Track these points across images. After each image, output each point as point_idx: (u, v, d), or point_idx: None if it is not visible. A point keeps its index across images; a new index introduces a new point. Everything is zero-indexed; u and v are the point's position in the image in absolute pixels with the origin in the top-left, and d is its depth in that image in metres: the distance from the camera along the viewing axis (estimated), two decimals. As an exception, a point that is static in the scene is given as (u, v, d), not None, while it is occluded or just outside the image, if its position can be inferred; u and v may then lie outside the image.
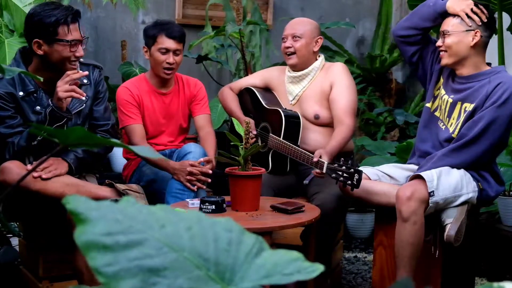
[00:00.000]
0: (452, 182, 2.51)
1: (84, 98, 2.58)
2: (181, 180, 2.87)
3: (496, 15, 3.76)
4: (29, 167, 2.46)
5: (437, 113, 2.74)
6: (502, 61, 3.76)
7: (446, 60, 2.65)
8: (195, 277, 0.63)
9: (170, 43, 3.09)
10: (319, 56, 3.19)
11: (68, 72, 2.44)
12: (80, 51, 2.51)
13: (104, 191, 2.52)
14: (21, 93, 2.50)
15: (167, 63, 3.09)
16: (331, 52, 5.35)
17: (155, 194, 3.03)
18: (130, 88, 3.14)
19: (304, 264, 0.69)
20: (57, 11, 2.47)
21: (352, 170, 2.51)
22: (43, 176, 2.43)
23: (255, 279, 0.66)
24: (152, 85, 3.20)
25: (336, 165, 2.57)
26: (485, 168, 2.63)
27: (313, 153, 2.80)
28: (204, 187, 2.94)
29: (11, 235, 3.34)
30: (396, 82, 5.61)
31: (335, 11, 5.64)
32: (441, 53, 2.67)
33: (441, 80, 2.77)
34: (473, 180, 2.59)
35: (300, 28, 3.12)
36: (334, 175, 2.56)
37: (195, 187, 2.89)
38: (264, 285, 0.68)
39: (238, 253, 0.68)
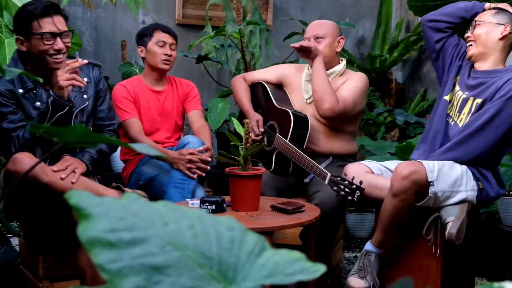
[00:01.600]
0: (452, 176, 2.53)
1: (86, 96, 2.65)
2: (180, 168, 2.93)
3: None
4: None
5: (448, 110, 2.76)
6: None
7: (472, 50, 2.70)
8: (198, 275, 0.63)
9: (166, 37, 3.26)
10: (341, 60, 3.19)
11: (68, 61, 2.47)
12: (58, 44, 2.51)
13: (112, 192, 2.53)
14: (20, 90, 2.53)
15: (165, 54, 3.22)
16: (331, 52, 5.34)
17: (154, 193, 3.06)
18: (126, 86, 3.25)
19: (306, 264, 0.69)
20: (31, 6, 2.51)
21: (354, 186, 2.51)
22: (73, 180, 2.44)
23: (258, 278, 0.66)
24: (147, 84, 3.30)
25: (339, 178, 2.57)
26: (487, 167, 2.63)
27: (320, 154, 2.79)
28: (204, 174, 2.98)
29: (11, 235, 3.34)
30: (396, 82, 5.61)
31: (335, 11, 5.64)
32: (468, 45, 2.72)
33: (457, 77, 2.79)
34: (473, 179, 2.60)
35: (323, 28, 3.13)
36: (335, 187, 2.56)
37: (195, 175, 2.94)
38: (265, 285, 0.68)
39: (241, 252, 0.68)
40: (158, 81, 3.31)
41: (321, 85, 2.93)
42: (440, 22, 2.83)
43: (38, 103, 2.55)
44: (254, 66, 4.58)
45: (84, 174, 2.56)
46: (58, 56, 2.53)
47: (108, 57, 4.86)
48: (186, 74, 4.49)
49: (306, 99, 3.14)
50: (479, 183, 2.61)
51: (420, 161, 2.55)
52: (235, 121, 2.77)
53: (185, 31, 5.08)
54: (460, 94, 2.72)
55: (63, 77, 2.44)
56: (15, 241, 3.23)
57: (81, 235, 0.61)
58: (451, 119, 2.73)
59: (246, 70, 4.45)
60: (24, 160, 2.37)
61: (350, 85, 3.05)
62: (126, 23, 4.95)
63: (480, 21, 2.70)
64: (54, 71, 2.58)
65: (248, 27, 4.55)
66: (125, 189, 2.63)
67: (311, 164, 2.75)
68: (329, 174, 2.62)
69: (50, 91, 2.49)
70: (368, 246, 2.64)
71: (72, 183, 2.44)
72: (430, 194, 2.48)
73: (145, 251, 0.62)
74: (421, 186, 2.48)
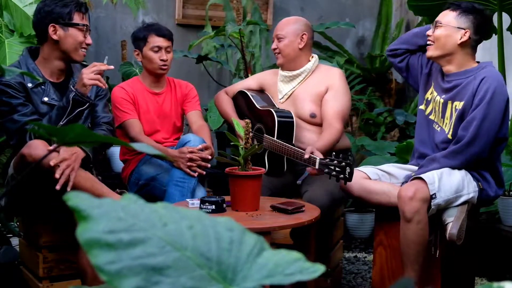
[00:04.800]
0: (453, 183, 2.52)
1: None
2: (181, 167, 2.93)
3: (495, 17, 3.76)
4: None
5: (432, 116, 2.75)
6: (502, 61, 3.76)
7: (431, 52, 2.68)
8: (197, 276, 0.63)
9: (161, 41, 3.20)
10: (312, 57, 3.20)
11: (96, 63, 2.60)
12: (89, 39, 2.70)
13: (116, 196, 2.54)
14: (29, 84, 2.60)
15: (161, 60, 3.19)
16: (331, 52, 5.34)
17: (155, 193, 3.06)
18: (125, 88, 3.24)
19: (305, 264, 0.69)
20: (69, 0, 2.67)
21: (343, 163, 2.52)
22: (68, 189, 2.43)
23: (257, 279, 0.66)
24: (145, 85, 3.28)
25: (327, 160, 2.57)
26: (486, 167, 2.64)
27: None
28: (204, 173, 2.98)
29: (11, 235, 3.34)
30: (396, 82, 5.61)
31: (335, 11, 5.64)
32: (427, 44, 2.70)
33: (433, 83, 2.79)
34: (473, 180, 2.60)
35: (284, 28, 3.16)
36: (326, 170, 2.57)
37: (196, 173, 2.93)
38: (264, 285, 0.68)
39: (240, 253, 0.68)
40: (157, 83, 3.29)
41: (330, 146, 2.92)
42: (399, 50, 2.89)
43: (46, 98, 2.62)
44: (254, 66, 4.58)
45: (86, 163, 2.58)
46: (84, 50, 2.70)
47: (108, 57, 4.85)
48: (186, 74, 4.49)
49: (280, 99, 3.19)
50: (479, 183, 2.61)
51: (419, 176, 2.53)
52: (235, 121, 2.78)
53: (185, 31, 5.08)
54: (438, 98, 2.72)
55: (88, 75, 2.53)
56: (15, 241, 3.23)
57: (80, 236, 0.61)
58: (437, 125, 2.73)
59: (246, 70, 4.46)
60: (40, 146, 2.39)
61: (335, 93, 3.07)
62: (126, 23, 4.95)
63: (441, 22, 2.66)
64: (62, 67, 2.68)
65: (248, 27, 4.55)
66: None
67: (300, 154, 2.75)
68: (318, 158, 2.62)
69: (71, 87, 2.58)
70: None
71: (68, 189, 2.42)
72: (432, 206, 2.47)
73: (144, 252, 0.62)
74: (429, 201, 2.47)
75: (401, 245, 2.52)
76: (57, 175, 2.40)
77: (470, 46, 2.65)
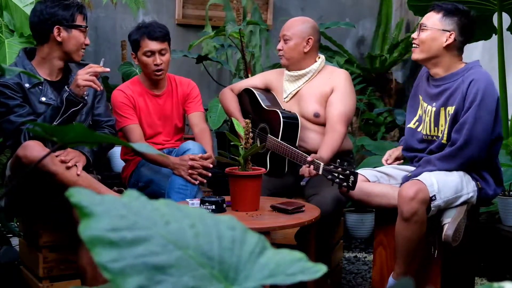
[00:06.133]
0: (453, 184, 2.51)
1: (85, 93, 2.67)
2: (182, 174, 2.91)
3: (495, 17, 3.76)
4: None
5: (424, 131, 2.72)
6: (502, 61, 3.76)
7: (417, 55, 2.65)
8: (199, 275, 0.63)
9: (153, 45, 3.09)
10: (318, 58, 3.19)
11: (92, 65, 2.62)
12: (87, 40, 2.77)
13: (114, 195, 2.54)
14: (27, 85, 2.61)
15: (155, 64, 3.10)
16: (331, 52, 5.34)
17: (154, 195, 3.03)
18: (125, 91, 3.17)
19: (307, 264, 0.69)
20: (70, 1, 2.70)
21: (347, 172, 2.51)
22: (70, 165, 2.48)
23: (259, 278, 0.65)
24: (145, 87, 3.22)
25: (332, 166, 2.56)
26: (484, 166, 2.63)
27: (310, 153, 2.79)
28: (205, 181, 2.96)
29: (11, 235, 3.34)
30: (396, 82, 5.61)
31: (335, 11, 5.64)
32: (412, 47, 2.68)
33: (420, 97, 2.77)
34: (472, 179, 2.60)
35: (290, 29, 3.14)
36: (330, 176, 2.56)
37: (197, 181, 2.92)
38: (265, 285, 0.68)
39: (242, 252, 0.68)
40: (156, 85, 3.22)
41: (334, 153, 2.90)
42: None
43: (43, 98, 2.62)
44: (254, 66, 4.58)
45: (86, 166, 2.58)
46: (83, 51, 2.76)
47: (108, 57, 4.85)
48: (186, 74, 4.47)
49: (284, 98, 3.18)
50: (478, 183, 2.61)
51: (418, 178, 2.52)
52: (235, 121, 2.77)
53: (185, 31, 5.08)
54: (429, 108, 2.68)
55: (83, 77, 2.54)
56: (15, 241, 3.23)
57: (83, 233, 0.60)
58: (430, 137, 2.69)
59: (246, 70, 4.46)
60: (35, 147, 2.39)
61: (340, 95, 3.06)
62: (126, 23, 4.95)
63: (426, 25, 2.63)
64: (61, 66, 2.71)
65: (248, 27, 4.55)
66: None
67: (303, 158, 2.75)
68: (322, 164, 2.61)
69: (66, 87, 2.59)
70: (391, 283, 2.56)
71: (78, 175, 2.47)
72: (432, 208, 2.47)
73: (147, 250, 0.62)
74: (428, 203, 2.47)
75: (395, 241, 2.52)
76: (64, 159, 2.45)
77: (456, 48, 2.62)
